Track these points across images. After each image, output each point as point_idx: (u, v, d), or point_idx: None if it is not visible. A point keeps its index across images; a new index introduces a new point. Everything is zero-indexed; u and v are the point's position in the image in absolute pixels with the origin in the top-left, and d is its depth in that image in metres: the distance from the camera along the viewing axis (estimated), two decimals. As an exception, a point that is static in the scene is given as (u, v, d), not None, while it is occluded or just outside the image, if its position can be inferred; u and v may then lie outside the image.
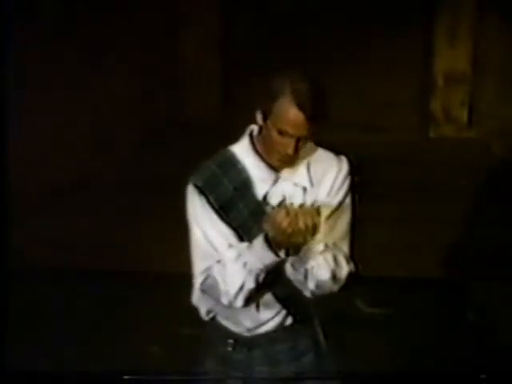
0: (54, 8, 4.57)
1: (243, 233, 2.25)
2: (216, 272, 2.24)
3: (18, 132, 3.77)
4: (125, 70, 4.80)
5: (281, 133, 2.16)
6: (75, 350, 3.71)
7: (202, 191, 2.26)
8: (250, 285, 2.21)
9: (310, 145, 2.31)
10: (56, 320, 3.96)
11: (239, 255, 2.22)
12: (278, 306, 2.33)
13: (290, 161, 2.23)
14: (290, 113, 2.13)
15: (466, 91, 7.88)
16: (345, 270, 2.26)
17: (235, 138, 2.36)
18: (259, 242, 2.17)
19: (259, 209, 2.25)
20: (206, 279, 2.28)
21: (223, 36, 7.12)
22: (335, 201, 2.29)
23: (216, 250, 2.26)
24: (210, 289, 2.29)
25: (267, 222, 2.14)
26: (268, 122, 2.19)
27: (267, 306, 2.31)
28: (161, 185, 4.40)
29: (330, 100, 2.20)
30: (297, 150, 2.17)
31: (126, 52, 4.82)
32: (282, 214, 2.10)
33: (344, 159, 2.34)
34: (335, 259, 2.25)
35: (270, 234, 2.14)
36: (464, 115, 7.90)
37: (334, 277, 2.23)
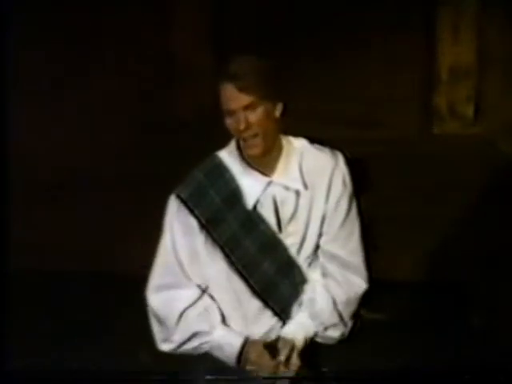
0: (54, 8, 4.57)
1: (234, 246, 2.21)
2: (184, 318, 2.24)
3: (18, 132, 3.77)
4: (124, 70, 4.79)
5: (228, 114, 2.14)
6: (75, 349, 3.71)
7: (184, 203, 2.23)
8: (192, 346, 2.25)
9: (301, 142, 2.25)
10: (56, 320, 3.96)
11: (210, 331, 2.20)
12: (273, 319, 2.30)
13: (256, 143, 2.15)
14: (223, 89, 2.14)
15: (471, 86, 7.79)
16: (349, 310, 2.29)
17: (229, 139, 2.34)
18: (233, 351, 2.18)
19: (249, 219, 2.20)
20: (162, 303, 2.28)
21: (218, 35, 7.10)
22: (341, 210, 2.22)
23: (180, 263, 2.23)
24: (159, 316, 2.30)
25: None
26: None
27: (262, 319, 2.29)
28: (161, 185, 4.39)
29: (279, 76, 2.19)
30: (248, 124, 2.10)
31: (125, 52, 4.81)
32: (256, 355, 2.14)
33: (339, 155, 2.26)
34: (340, 316, 2.26)
35: (244, 357, 2.16)
36: (469, 111, 7.81)
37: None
